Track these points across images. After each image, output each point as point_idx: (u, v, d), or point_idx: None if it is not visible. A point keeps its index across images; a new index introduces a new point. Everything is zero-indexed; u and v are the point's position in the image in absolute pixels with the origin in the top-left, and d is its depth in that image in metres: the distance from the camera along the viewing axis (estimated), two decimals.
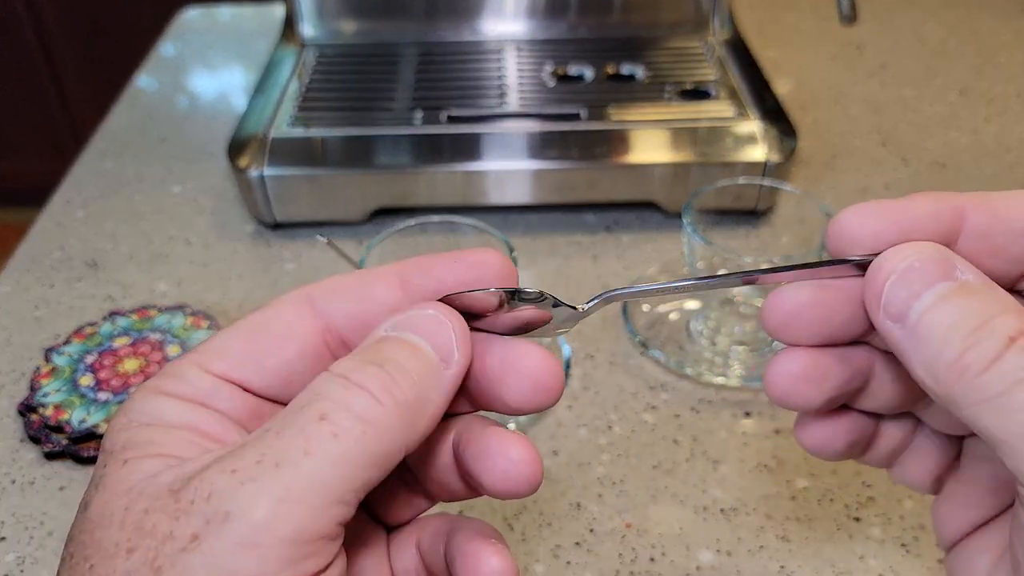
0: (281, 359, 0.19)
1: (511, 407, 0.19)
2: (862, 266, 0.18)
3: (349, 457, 0.16)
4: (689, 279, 0.20)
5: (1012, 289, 0.19)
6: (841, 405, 0.21)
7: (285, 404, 0.19)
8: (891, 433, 0.21)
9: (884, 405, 0.21)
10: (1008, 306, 0.16)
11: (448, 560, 0.20)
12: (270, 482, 0.15)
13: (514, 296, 0.19)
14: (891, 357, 0.19)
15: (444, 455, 0.20)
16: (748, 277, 0.20)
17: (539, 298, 0.19)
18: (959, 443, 0.22)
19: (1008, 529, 0.19)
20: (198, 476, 0.16)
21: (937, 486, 0.22)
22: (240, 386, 0.19)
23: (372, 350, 0.18)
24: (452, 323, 0.18)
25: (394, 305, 0.19)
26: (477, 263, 0.19)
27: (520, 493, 0.18)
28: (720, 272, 0.19)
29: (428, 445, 0.20)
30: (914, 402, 0.21)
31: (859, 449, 0.21)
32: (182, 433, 0.17)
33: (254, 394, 0.19)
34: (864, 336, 0.19)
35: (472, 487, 0.20)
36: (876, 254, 0.18)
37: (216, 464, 0.16)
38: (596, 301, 0.20)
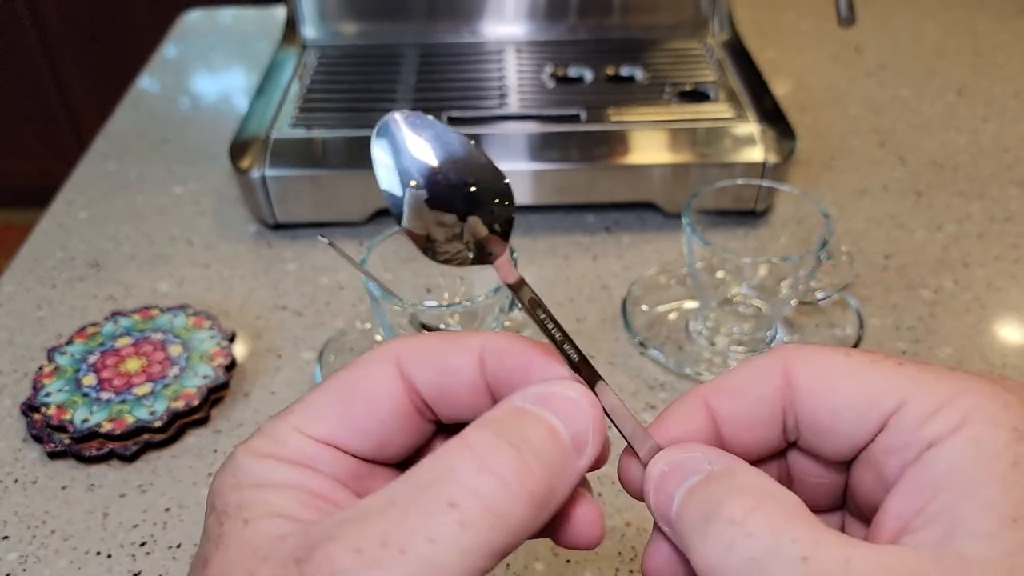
0: (375, 421, 0.19)
1: (561, 543, 0.20)
2: None
3: (474, 549, 0.15)
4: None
5: (789, 445, 0.20)
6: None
7: (380, 463, 0.20)
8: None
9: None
10: (743, 486, 0.17)
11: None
12: (395, 569, 0.15)
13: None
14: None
15: None
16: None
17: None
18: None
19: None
20: (322, 549, 0.15)
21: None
22: (339, 449, 0.19)
23: (508, 424, 0.17)
24: (591, 411, 0.18)
25: (475, 384, 0.20)
26: (551, 356, 0.20)
27: (588, 546, 0.20)
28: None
29: None
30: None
31: None
32: (294, 493, 0.18)
33: (352, 455, 0.19)
34: None
35: None
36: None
37: (341, 539, 0.15)
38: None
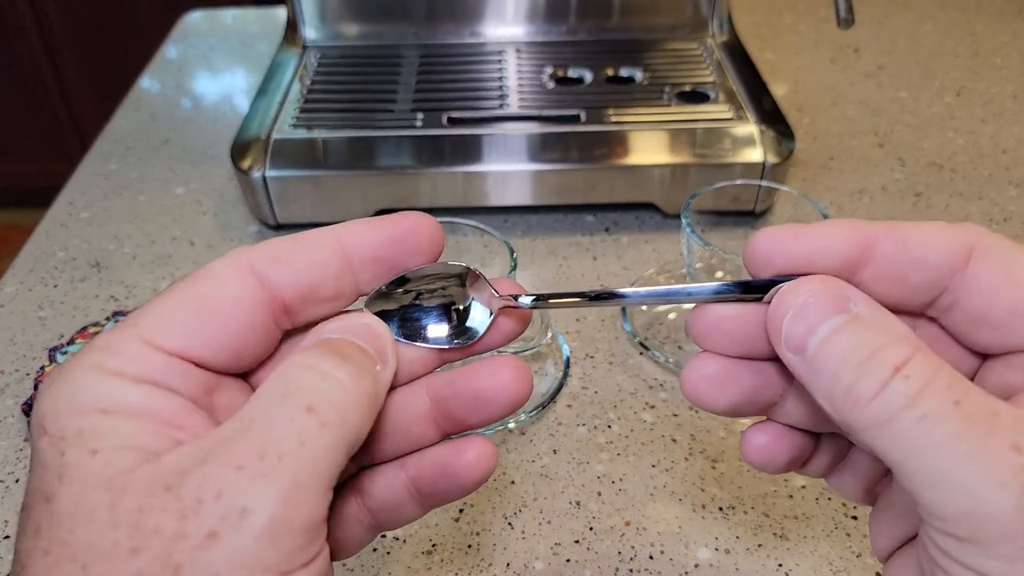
0: (230, 331, 0.19)
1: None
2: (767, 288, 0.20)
3: (335, 444, 0.17)
4: (604, 290, 0.22)
5: (920, 315, 0.20)
6: (786, 425, 0.22)
7: (232, 375, 0.20)
8: (827, 447, 0.23)
9: (803, 422, 0.22)
10: (897, 336, 0.17)
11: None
12: (279, 475, 0.16)
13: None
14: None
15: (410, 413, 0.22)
16: (672, 298, 0.21)
17: (463, 271, 0.21)
18: None
19: None
20: (196, 472, 0.16)
21: (871, 498, 0.23)
22: (190, 361, 0.18)
23: (328, 347, 0.19)
24: (383, 331, 0.20)
25: (340, 274, 0.20)
26: (408, 227, 0.21)
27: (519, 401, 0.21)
28: (646, 289, 0.21)
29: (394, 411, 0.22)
30: (829, 422, 0.22)
31: (799, 463, 0.22)
32: (143, 422, 0.17)
33: (204, 368, 0.19)
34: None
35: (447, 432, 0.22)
36: (787, 278, 0.19)
37: (216, 460, 0.16)
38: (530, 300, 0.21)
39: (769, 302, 0.19)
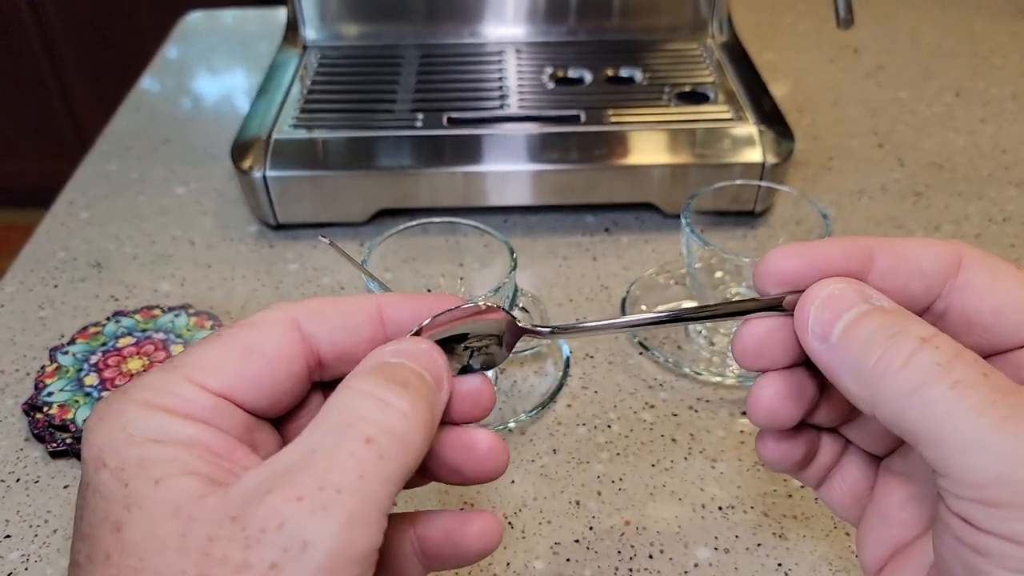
0: (272, 379, 0.20)
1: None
2: (776, 307, 0.21)
3: (393, 475, 0.17)
4: (627, 319, 0.23)
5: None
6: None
7: (268, 419, 0.20)
8: (826, 450, 0.24)
9: (823, 418, 0.23)
10: (919, 320, 0.19)
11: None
12: (338, 509, 0.16)
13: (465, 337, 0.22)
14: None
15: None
16: (682, 317, 0.23)
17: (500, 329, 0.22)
18: (876, 469, 0.24)
19: (923, 554, 0.21)
20: (261, 503, 0.16)
21: (857, 511, 0.23)
22: (233, 403, 0.19)
23: (387, 373, 0.19)
24: (439, 358, 0.21)
25: (375, 339, 0.21)
26: (446, 301, 0.22)
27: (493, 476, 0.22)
28: (657, 312, 0.22)
29: None
30: (843, 417, 0.23)
31: (806, 463, 0.23)
32: (196, 450, 0.18)
33: (243, 410, 0.20)
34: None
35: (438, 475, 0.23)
36: (789, 293, 0.21)
37: (279, 491, 0.17)
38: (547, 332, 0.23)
39: (789, 307, 0.21)
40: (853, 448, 0.24)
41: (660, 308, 0.21)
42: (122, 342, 0.41)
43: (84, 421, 0.37)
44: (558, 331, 0.23)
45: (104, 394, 0.38)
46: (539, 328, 0.23)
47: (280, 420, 0.22)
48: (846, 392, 0.19)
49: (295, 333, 0.20)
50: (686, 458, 0.37)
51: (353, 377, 0.19)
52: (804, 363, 0.22)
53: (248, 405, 0.20)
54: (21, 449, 0.38)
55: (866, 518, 0.23)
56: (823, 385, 0.22)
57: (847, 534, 0.34)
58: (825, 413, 0.23)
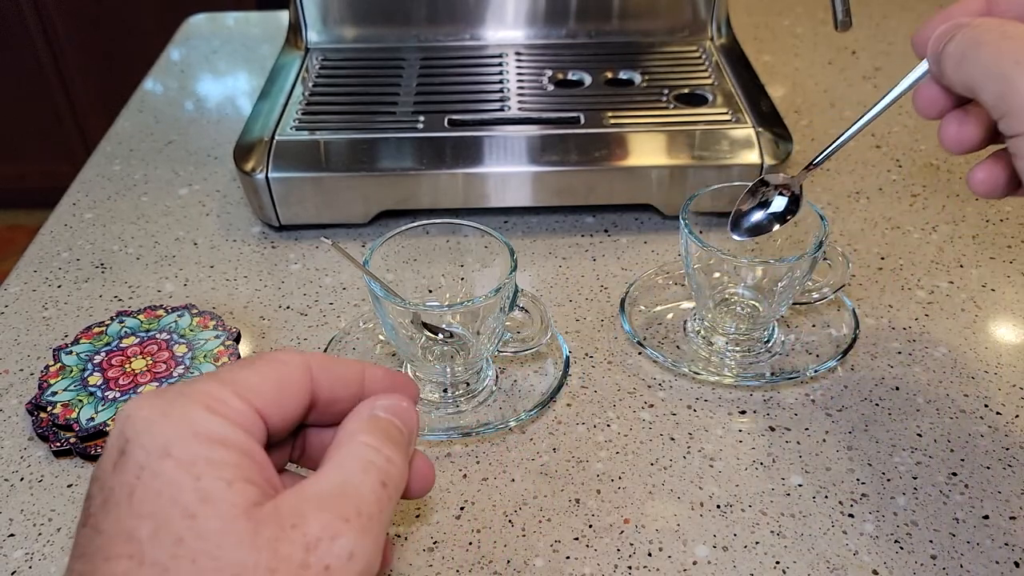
0: (291, 409, 0.24)
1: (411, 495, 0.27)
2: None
3: (394, 506, 0.23)
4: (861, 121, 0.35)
5: None
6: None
7: (268, 446, 0.24)
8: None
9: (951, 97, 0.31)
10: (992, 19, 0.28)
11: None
12: (372, 531, 0.22)
13: None
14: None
15: None
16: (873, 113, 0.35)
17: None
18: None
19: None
20: (317, 518, 0.21)
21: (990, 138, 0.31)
22: (264, 421, 0.23)
23: (383, 428, 0.24)
24: (415, 415, 0.26)
25: (355, 394, 0.26)
26: (405, 385, 0.28)
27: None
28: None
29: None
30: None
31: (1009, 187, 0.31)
32: (251, 461, 0.21)
33: (266, 428, 0.23)
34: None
35: None
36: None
37: (330, 510, 0.21)
38: None
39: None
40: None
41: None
42: (126, 342, 0.42)
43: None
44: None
45: (106, 393, 0.39)
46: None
47: (272, 446, 0.25)
48: (952, 83, 0.28)
49: (308, 376, 0.25)
50: (685, 457, 0.37)
51: (359, 432, 0.24)
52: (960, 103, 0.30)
53: (272, 424, 0.23)
54: (25, 448, 0.38)
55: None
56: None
57: (844, 532, 0.34)
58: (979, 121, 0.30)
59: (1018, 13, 0.28)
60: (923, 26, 0.30)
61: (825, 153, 0.36)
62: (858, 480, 0.36)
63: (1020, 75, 0.24)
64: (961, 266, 0.48)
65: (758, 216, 0.38)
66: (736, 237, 0.38)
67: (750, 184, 0.38)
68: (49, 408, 0.38)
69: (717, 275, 0.42)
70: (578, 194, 0.50)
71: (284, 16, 0.73)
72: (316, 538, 0.20)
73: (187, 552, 0.19)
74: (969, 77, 0.27)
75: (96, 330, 0.42)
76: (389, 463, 0.23)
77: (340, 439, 0.24)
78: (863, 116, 0.34)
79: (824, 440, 0.38)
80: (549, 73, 0.57)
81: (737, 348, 0.42)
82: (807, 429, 0.38)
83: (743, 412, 0.39)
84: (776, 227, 0.37)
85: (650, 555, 0.33)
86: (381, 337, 0.43)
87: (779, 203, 0.37)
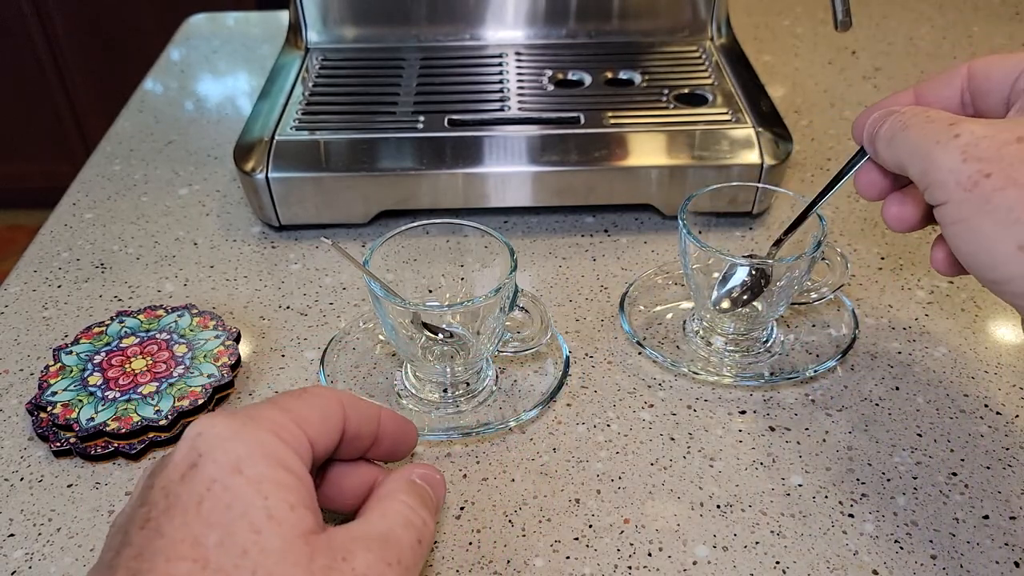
0: (329, 441, 0.26)
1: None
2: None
3: (423, 561, 0.26)
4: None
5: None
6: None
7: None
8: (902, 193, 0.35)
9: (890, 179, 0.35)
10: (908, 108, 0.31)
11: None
12: None
13: None
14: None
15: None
16: (814, 202, 0.38)
17: None
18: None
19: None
20: (365, 555, 0.23)
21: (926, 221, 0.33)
22: (314, 453, 0.25)
23: (419, 494, 0.28)
24: (443, 484, 0.31)
25: (372, 432, 0.29)
26: (410, 431, 0.32)
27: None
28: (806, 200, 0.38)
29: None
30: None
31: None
32: (306, 489, 0.24)
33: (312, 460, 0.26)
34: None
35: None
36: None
37: (376, 552, 0.24)
38: None
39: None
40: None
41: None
42: (126, 342, 0.42)
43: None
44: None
45: (106, 393, 0.39)
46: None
47: None
48: (885, 162, 0.31)
49: (343, 412, 0.27)
50: (684, 457, 0.37)
51: (399, 492, 0.27)
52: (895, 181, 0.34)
53: (315, 457, 0.25)
54: (25, 448, 0.38)
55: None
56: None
57: (844, 532, 0.34)
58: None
59: (941, 104, 0.32)
60: (861, 115, 0.33)
61: (787, 228, 0.39)
62: (858, 480, 0.36)
63: (939, 152, 0.27)
64: None
65: (735, 293, 0.41)
66: (720, 313, 0.41)
67: (731, 259, 0.39)
68: (49, 408, 0.38)
69: (716, 275, 0.42)
70: (578, 194, 0.50)
71: (284, 16, 0.73)
72: (363, 574, 0.22)
73: (250, 564, 0.21)
74: (898, 156, 0.30)
75: (96, 330, 0.42)
76: (424, 525, 0.26)
77: (381, 494, 0.27)
78: (814, 199, 0.37)
79: (824, 440, 0.38)
80: (549, 73, 0.57)
81: (736, 348, 0.43)
82: (807, 429, 0.38)
83: (743, 412, 0.39)
84: (753, 301, 0.40)
85: (650, 555, 0.33)
86: (381, 337, 0.43)
87: (751, 279, 0.40)
